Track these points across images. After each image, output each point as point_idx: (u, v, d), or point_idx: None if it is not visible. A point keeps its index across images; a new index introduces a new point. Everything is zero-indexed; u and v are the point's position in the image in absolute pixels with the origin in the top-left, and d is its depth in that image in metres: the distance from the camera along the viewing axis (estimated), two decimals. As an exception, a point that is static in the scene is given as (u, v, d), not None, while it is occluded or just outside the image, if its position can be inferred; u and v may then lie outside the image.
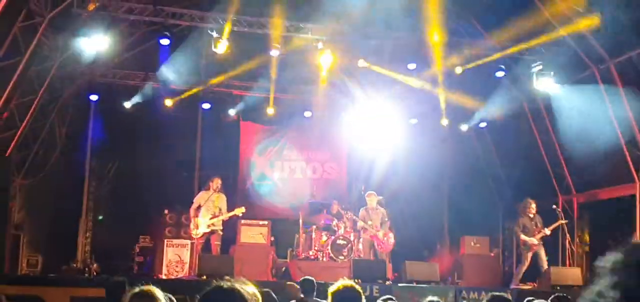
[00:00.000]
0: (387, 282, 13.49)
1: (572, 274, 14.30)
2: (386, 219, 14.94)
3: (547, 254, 14.71)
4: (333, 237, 14.96)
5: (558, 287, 13.43)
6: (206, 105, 18.04)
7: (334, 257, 14.73)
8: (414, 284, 13.49)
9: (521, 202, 15.21)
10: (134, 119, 17.94)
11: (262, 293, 3.24)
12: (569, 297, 6.49)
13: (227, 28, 14.34)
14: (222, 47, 14.52)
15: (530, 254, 14.34)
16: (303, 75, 17.69)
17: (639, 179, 14.36)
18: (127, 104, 17.24)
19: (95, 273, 15.65)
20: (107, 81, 16.99)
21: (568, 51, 15.08)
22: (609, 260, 2.00)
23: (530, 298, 7.23)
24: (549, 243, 15.19)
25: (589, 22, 13.25)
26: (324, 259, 14.95)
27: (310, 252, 15.20)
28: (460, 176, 19.09)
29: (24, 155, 15.96)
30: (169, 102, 17.40)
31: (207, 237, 14.53)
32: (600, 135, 14.32)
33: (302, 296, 8.82)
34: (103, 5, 13.80)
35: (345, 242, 14.91)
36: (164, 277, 14.33)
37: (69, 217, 17.79)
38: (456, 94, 17.90)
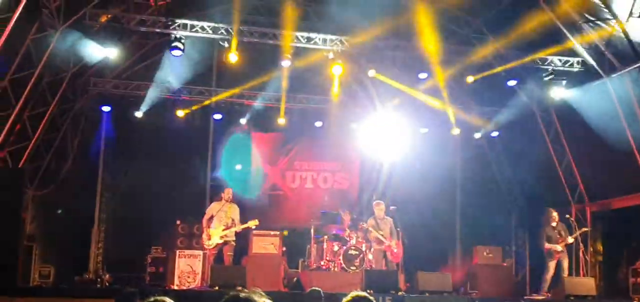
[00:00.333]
0: (400, 293, 13.42)
1: (586, 284, 14.18)
2: (395, 228, 14.88)
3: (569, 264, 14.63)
4: (345, 248, 14.92)
5: (572, 298, 13.34)
6: (217, 116, 18.05)
7: (346, 268, 14.68)
8: (427, 295, 13.42)
9: (534, 211, 15.15)
10: (146, 130, 17.99)
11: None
12: None
13: (234, 41, 14.37)
14: (233, 58, 14.56)
15: (553, 263, 14.21)
16: (314, 86, 17.71)
17: (653, 188, 14.29)
18: (139, 115, 17.28)
19: (107, 284, 15.68)
20: (118, 92, 17.05)
21: (580, 60, 15.06)
22: None
23: None
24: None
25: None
26: (336, 269, 14.90)
27: (322, 263, 15.16)
28: (472, 186, 19.03)
29: (37, 166, 16.02)
30: (180, 113, 17.44)
31: (220, 248, 14.52)
32: (613, 144, 14.26)
33: None
34: (115, 17, 13.87)
35: (357, 252, 14.86)
36: (175, 287, 14.32)
37: (81, 227, 17.82)
38: (467, 103, 17.94)
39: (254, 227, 14.65)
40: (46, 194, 16.35)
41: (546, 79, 15.50)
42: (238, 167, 18.88)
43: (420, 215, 17.33)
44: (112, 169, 18.50)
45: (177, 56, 14.63)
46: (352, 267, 14.68)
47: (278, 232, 15.08)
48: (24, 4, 11.49)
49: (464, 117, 18.16)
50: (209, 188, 18.61)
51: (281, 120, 17.88)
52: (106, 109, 17.20)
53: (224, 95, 17.35)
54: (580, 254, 15.72)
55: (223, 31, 14.48)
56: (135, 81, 17.23)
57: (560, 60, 15.24)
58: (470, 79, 15.81)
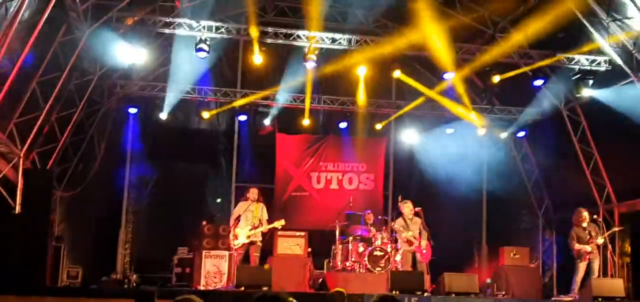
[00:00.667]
0: (426, 294, 13.36)
1: (614, 285, 13.99)
2: (423, 229, 14.82)
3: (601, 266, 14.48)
4: (370, 248, 14.89)
5: (600, 299, 13.19)
6: (242, 117, 18.11)
7: (371, 269, 14.66)
8: (453, 296, 13.35)
9: (561, 212, 15.01)
10: (172, 131, 18.13)
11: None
12: None
13: (256, 42, 14.41)
14: (257, 59, 14.60)
15: (583, 264, 14.02)
16: (338, 86, 17.71)
17: (682, 189, 14.09)
18: (165, 116, 17.38)
19: (134, 284, 15.80)
20: (145, 94, 17.16)
21: (607, 58, 14.92)
22: None
23: None
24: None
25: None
26: (361, 270, 14.88)
27: (347, 263, 15.14)
28: (498, 186, 18.89)
29: (65, 168, 16.18)
30: (205, 115, 17.52)
31: (247, 248, 14.57)
32: (641, 143, 14.11)
33: None
34: (141, 20, 13.98)
35: (382, 253, 14.83)
36: (202, 288, 14.39)
37: (109, 229, 17.98)
38: (494, 103, 17.86)
39: (280, 227, 14.70)
40: (74, 195, 16.51)
41: (573, 78, 15.38)
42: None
43: (446, 215, 17.25)
44: (139, 170, 18.63)
45: (202, 58, 14.70)
46: (377, 268, 14.66)
47: (303, 233, 15.11)
48: (52, 7, 11.60)
49: (490, 117, 18.08)
50: (234, 188, 18.68)
51: (306, 122, 17.91)
52: (133, 110, 17.32)
53: (250, 98, 17.36)
54: (609, 255, 15.53)
55: (248, 33, 14.53)
56: (161, 83, 17.34)
57: (587, 60, 15.10)
58: (496, 78, 15.71)
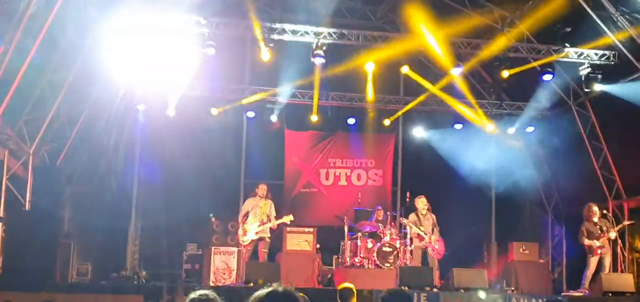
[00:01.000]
0: (435, 290, 13.37)
1: (624, 280, 13.98)
2: (436, 225, 14.83)
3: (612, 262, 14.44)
4: (379, 244, 14.89)
5: (610, 294, 13.17)
6: (251, 114, 18.12)
7: (380, 264, 14.66)
8: (462, 292, 13.34)
9: (570, 207, 14.96)
10: (181, 128, 18.13)
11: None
12: None
13: (261, 39, 14.40)
14: (265, 55, 14.60)
15: (595, 259, 13.99)
16: (347, 82, 17.69)
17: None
18: (173, 113, 17.41)
19: (143, 281, 15.83)
20: (153, 90, 17.15)
21: (617, 53, 14.86)
22: None
23: None
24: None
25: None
26: (370, 266, 14.88)
27: (356, 259, 15.14)
28: (507, 181, 18.85)
29: (74, 164, 16.23)
30: (214, 111, 17.54)
31: (255, 244, 14.62)
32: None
33: None
34: (150, 17, 13.98)
35: (391, 249, 14.83)
36: (211, 284, 14.41)
37: (118, 225, 18.02)
38: (502, 98, 17.83)
39: (289, 222, 14.74)
40: (83, 192, 16.56)
41: (582, 73, 15.32)
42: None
43: (455, 211, 17.21)
44: (148, 166, 18.66)
45: (210, 54, 14.70)
46: (386, 264, 14.66)
47: (312, 229, 15.12)
48: (61, 3, 11.62)
49: (498, 112, 18.05)
50: (242, 185, 18.72)
51: (314, 118, 17.91)
52: (141, 107, 17.34)
53: (259, 96, 17.37)
54: (619, 250, 15.48)
55: (257, 29, 14.52)
56: (170, 79, 17.33)
57: (596, 54, 15.05)
58: (505, 73, 15.66)
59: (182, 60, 16.39)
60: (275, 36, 14.59)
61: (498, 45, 15.34)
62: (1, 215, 12.66)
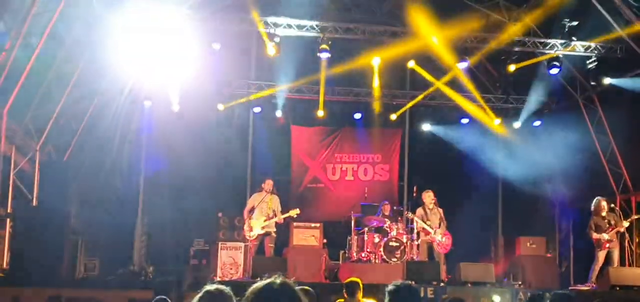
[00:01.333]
0: (442, 284, 13.36)
1: (632, 274, 13.94)
2: (443, 220, 14.81)
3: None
4: (385, 239, 14.88)
5: (617, 288, 13.13)
6: (257, 109, 18.13)
7: (387, 259, 14.64)
8: (469, 286, 13.32)
9: (578, 201, 14.91)
10: (187, 123, 18.15)
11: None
12: None
13: (265, 35, 14.37)
14: (271, 50, 14.58)
15: (603, 253, 13.94)
16: (353, 77, 17.67)
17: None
18: (177, 108, 17.42)
19: (150, 276, 15.87)
20: (159, 86, 17.16)
21: (624, 46, 14.80)
22: None
23: None
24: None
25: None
26: (377, 260, 14.86)
27: (363, 254, 15.13)
28: (514, 175, 18.79)
29: (81, 160, 16.27)
30: (220, 106, 17.54)
31: (261, 239, 14.63)
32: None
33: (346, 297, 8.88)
34: (156, 12, 13.96)
35: (397, 243, 14.81)
36: (218, 279, 14.42)
37: (125, 221, 18.04)
38: (509, 92, 17.78)
39: (295, 216, 14.74)
40: (90, 188, 16.59)
41: (590, 66, 15.26)
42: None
43: (462, 206, 17.19)
44: (154, 162, 18.67)
45: (217, 49, 14.70)
46: (393, 259, 14.64)
47: (319, 224, 15.13)
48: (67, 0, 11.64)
49: (505, 106, 18.01)
50: (249, 180, 18.73)
51: (320, 113, 17.88)
52: (147, 103, 17.36)
53: (266, 92, 17.37)
54: (626, 245, 15.43)
55: (262, 24, 14.51)
56: (177, 75, 17.35)
57: (603, 48, 14.98)
58: (512, 67, 15.61)
59: (188, 56, 16.41)
60: (281, 31, 14.58)
61: (504, 39, 15.30)
62: (9, 211, 12.69)
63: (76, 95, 14.64)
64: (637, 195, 16.17)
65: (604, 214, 14.04)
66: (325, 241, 15.31)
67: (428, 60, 17.56)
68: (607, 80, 15.14)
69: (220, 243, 15.31)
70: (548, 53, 15.37)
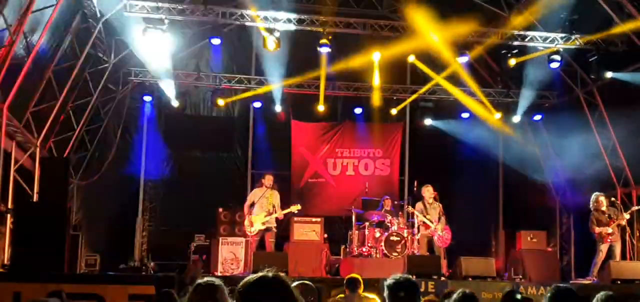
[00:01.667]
0: (442, 278, 13.36)
1: (633, 268, 13.93)
2: (442, 214, 14.82)
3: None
4: (386, 234, 14.88)
5: (619, 282, 13.12)
6: (257, 104, 18.12)
7: (388, 254, 14.65)
8: (470, 280, 13.32)
9: (579, 195, 14.89)
10: (187, 119, 18.18)
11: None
12: None
13: (264, 28, 14.36)
14: (271, 45, 14.56)
15: (605, 246, 13.95)
16: (353, 72, 17.65)
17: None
18: (177, 104, 17.44)
19: (152, 271, 15.86)
20: (160, 81, 17.18)
21: (625, 40, 14.78)
22: None
23: None
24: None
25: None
26: (378, 255, 14.86)
27: (364, 249, 15.12)
28: (515, 170, 18.80)
29: (81, 156, 16.28)
30: (221, 102, 17.53)
31: (262, 234, 14.65)
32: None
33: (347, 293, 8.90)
34: (155, 7, 13.97)
35: (398, 238, 14.81)
36: (219, 274, 14.43)
37: (126, 216, 18.07)
38: (510, 86, 17.76)
39: (296, 211, 14.75)
40: (91, 183, 16.60)
41: (590, 60, 15.24)
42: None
43: (463, 200, 17.19)
44: (155, 157, 18.68)
45: (216, 45, 14.69)
46: (394, 253, 14.64)
47: (320, 219, 15.14)
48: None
49: (505, 101, 17.99)
50: (250, 175, 18.75)
51: (321, 107, 17.87)
52: (148, 98, 17.37)
53: (266, 87, 17.36)
54: (627, 238, 15.43)
55: (261, 19, 14.49)
56: (176, 70, 17.38)
57: (604, 42, 14.95)
58: (512, 61, 15.59)
59: (188, 51, 16.42)
60: (281, 26, 14.56)
61: (505, 33, 15.28)
62: (10, 206, 12.69)
63: (77, 91, 14.64)
64: (638, 189, 16.16)
65: (603, 208, 14.06)
66: (326, 235, 15.32)
67: (428, 55, 17.55)
68: (608, 74, 15.11)
69: (221, 238, 15.31)
70: (548, 47, 15.35)
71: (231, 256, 14.79)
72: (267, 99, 17.87)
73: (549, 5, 14.22)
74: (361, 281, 8.88)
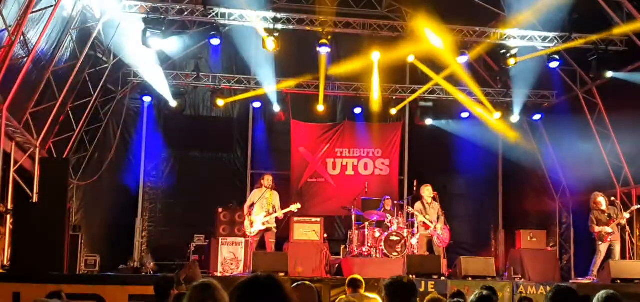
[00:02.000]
0: (442, 278, 13.35)
1: (633, 267, 13.93)
2: (441, 214, 14.83)
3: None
4: (386, 234, 14.88)
5: (618, 281, 13.12)
6: (257, 104, 18.13)
7: (388, 254, 14.65)
8: (470, 280, 13.32)
9: (578, 195, 14.88)
10: (187, 119, 18.18)
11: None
12: None
13: (263, 29, 14.36)
14: (271, 45, 14.55)
15: (605, 246, 13.96)
16: (353, 72, 17.65)
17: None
18: (176, 104, 17.43)
19: (151, 272, 15.87)
20: (159, 82, 17.17)
21: (625, 40, 14.77)
22: None
23: None
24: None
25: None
26: (378, 255, 14.87)
27: (364, 249, 15.13)
28: (514, 169, 18.80)
29: (81, 157, 16.28)
30: (220, 102, 17.53)
31: (262, 234, 14.67)
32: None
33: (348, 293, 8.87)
34: (154, 8, 13.97)
35: (398, 238, 14.81)
36: (219, 275, 14.44)
37: (126, 217, 18.07)
38: (509, 86, 17.75)
39: (296, 210, 14.75)
40: (90, 184, 16.61)
41: (590, 60, 15.23)
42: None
43: (462, 200, 17.22)
44: (154, 158, 18.68)
45: (215, 45, 14.70)
46: (394, 253, 14.64)
47: (319, 219, 15.14)
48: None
49: (505, 100, 17.99)
50: (249, 175, 18.75)
51: (320, 107, 17.87)
52: (147, 99, 17.37)
53: (265, 87, 17.36)
54: (627, 238, 15.42)
55: (260, 19, 14.49)
56: (175, 70, 17.39)
57: (604, 42, 14.94)
58: (512, 61, 15.58)
59: (187, 51, 16.40)
60: (280, 26, 14.56)
61: (504, 33, 15.28)
62: (9, 207, 12.69)
63: (76, 92, 14.64)
64: (638, 188, 16.15)
65: (603, 208, 14.06)
66: (325, 235, 15.32)
67: (428, 55, 17.55)
68: (607, 74, 15.10)
69: (220, 238, 15.32)
70: (548, 47, 15.34)
71: (231, 256, 14.81)
72: (267, 99, 17.87)
73: (548, 5, 14.20)
74: (363, 281, 8.88)
